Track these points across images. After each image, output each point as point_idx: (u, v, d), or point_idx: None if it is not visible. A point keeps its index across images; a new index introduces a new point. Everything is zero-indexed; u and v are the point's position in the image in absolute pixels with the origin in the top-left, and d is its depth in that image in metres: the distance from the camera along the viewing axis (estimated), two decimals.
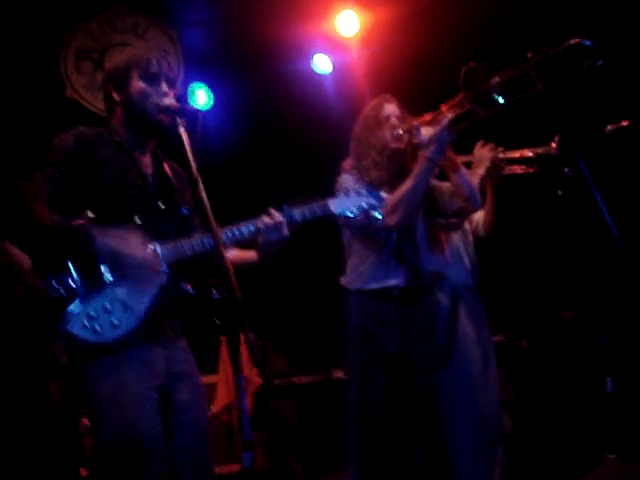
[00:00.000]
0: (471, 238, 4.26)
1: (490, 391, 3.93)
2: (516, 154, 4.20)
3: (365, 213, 3.11)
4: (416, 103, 3.89)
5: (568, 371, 5.63)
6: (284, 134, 6.60)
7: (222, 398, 5.63)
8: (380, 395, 3.63)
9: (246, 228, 2.94)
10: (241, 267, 2.99)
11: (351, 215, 3.08)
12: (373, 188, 3.68)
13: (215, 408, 5.55)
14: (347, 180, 3.76)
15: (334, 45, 6.29)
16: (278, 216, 2.94)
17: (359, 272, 3.79)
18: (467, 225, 4.22)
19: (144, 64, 2.98)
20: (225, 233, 2.89)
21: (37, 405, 2.86)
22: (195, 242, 2.88)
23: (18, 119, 5.54)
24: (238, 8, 6.04)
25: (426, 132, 3.66)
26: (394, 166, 3.79)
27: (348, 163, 3.84)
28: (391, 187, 3.71)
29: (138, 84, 2.97)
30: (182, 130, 2.77)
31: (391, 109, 3.86)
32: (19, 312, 2.68)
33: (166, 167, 3.10)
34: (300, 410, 5.73)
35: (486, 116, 3.59)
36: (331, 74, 6.41)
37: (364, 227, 3.71)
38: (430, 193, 3.83)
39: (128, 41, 6.04)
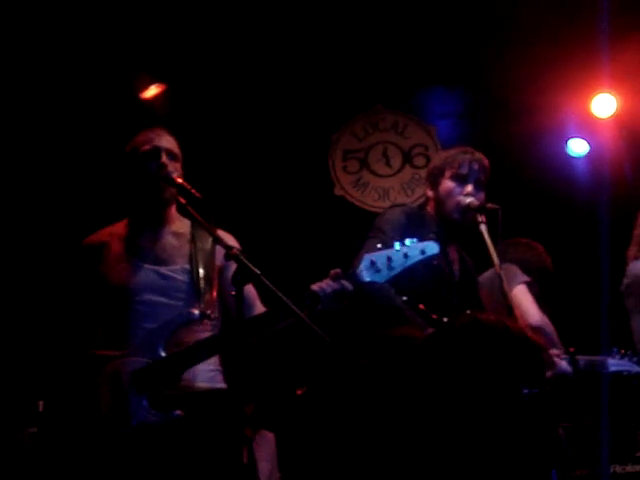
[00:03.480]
0: None
1: None
2: None
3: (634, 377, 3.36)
4: None
5: None
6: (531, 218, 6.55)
7: None
8: None
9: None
10: None
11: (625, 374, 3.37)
12: None
13: None
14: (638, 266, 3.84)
15: (589, 127, 6.23)
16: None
17: None
18: None
19: (456, 165, 3.20)
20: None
21: None
22: None
23: (289, 218, 5.89)
24: (490, 96, 6.16)
25: None
26: None
27: (632, 250, 3.89)
28: None
29: (447, 183, 3.20)
30: (483, 227, 2.94)
31: None
32: None
33: (468, 263, 3.27)
34: None
35: None
36: (586, 156, 6.34)
37: None
38: None
39: (389, 139, 6.30)
